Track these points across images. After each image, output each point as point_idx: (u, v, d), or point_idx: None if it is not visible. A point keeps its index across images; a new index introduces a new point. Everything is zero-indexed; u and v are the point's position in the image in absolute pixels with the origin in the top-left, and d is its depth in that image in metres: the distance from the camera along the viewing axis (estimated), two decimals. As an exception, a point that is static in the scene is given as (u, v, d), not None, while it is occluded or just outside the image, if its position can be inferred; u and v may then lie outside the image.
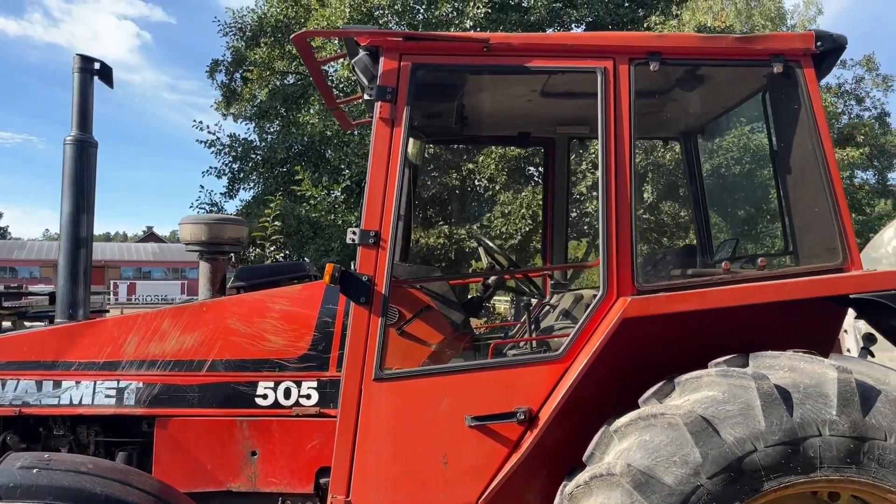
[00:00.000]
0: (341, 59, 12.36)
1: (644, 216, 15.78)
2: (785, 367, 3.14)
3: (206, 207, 18.42)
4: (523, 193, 15.52)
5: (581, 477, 3.12)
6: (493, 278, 4.49)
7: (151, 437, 3.85)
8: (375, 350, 3.44)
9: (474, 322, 4.89)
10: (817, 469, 2.93)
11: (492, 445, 3.39)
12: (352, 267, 3.55)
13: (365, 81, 3.67)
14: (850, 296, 3.33)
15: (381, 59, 3.56)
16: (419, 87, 3.71)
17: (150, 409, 3.83)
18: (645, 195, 16.09)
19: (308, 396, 3.87)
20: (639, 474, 2.93)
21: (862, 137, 23.92)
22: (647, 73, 3.64)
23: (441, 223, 16.71)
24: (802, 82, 3.61)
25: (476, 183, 16.70)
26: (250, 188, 17.88)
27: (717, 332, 3.49)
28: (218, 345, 3.89)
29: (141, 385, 3.85)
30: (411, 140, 5.03)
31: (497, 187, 16.14)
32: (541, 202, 16.50)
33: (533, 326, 4.49)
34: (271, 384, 3.88)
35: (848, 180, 23.67)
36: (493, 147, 15.75)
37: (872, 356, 5.15)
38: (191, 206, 18.28)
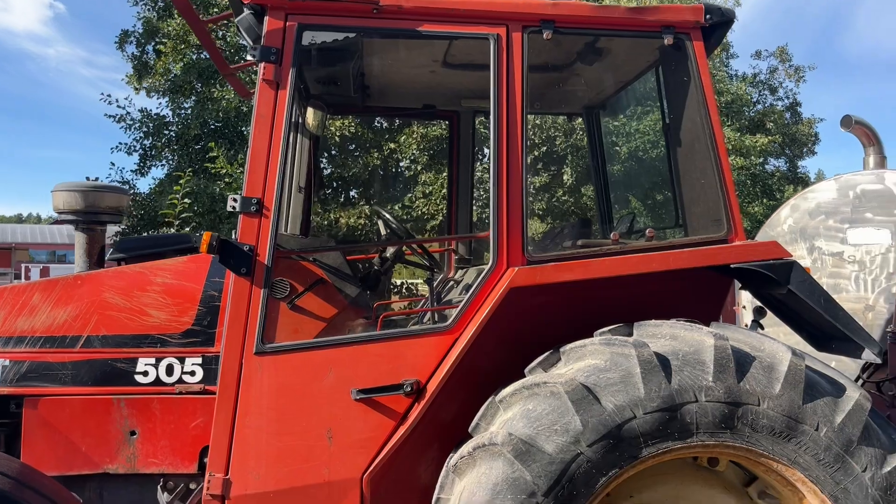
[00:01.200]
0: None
1: (563, 198, 15.98)
2: (666, 335, 3.17)
3: (118, 185, 17.70)
4: (444, 174, 15.46)
5: (465, 448, 3.08)
6: (390, 251, 4.41)
7: (20, 418, 3.62)
8: (257, 323, 3.31)
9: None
10: (694, 435, 2.97)
11: (378, 418, 3.32)
12: (233, 236, 3.40)
13: (250, 42, 3.51)
14: (732, 265, 3.38)
15: (266, 19, 3.41)
16: (309, 50, 3.56)
17: (18, 387, 3.60)
18: (565, 177, 16.29)
19: (192, 373, 3.71)
20: (520, 443, 2.90)
21: (772, 125, 24.76)
22: (548, 45, 3.60)
23: (363, 203, 16.52)
24: (692, 55, 3.63)
25: (399, 163, 16.55)
26: (163, 165, 17.26)
27: (606, 303, 3.50)
28: (94, 319, 3.68)
29: (7, 363, 3.61)
30: (311, 110, 4.89)
31: (419, 167, 16.04)
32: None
33: (435, 302, 4.43)
34: (152, 361, 3.70)
35: (761, 167, 24.49)
36: (415, 126, 15.64)
37: (762, 328, 5.29)
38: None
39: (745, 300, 7.30)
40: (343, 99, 5.00)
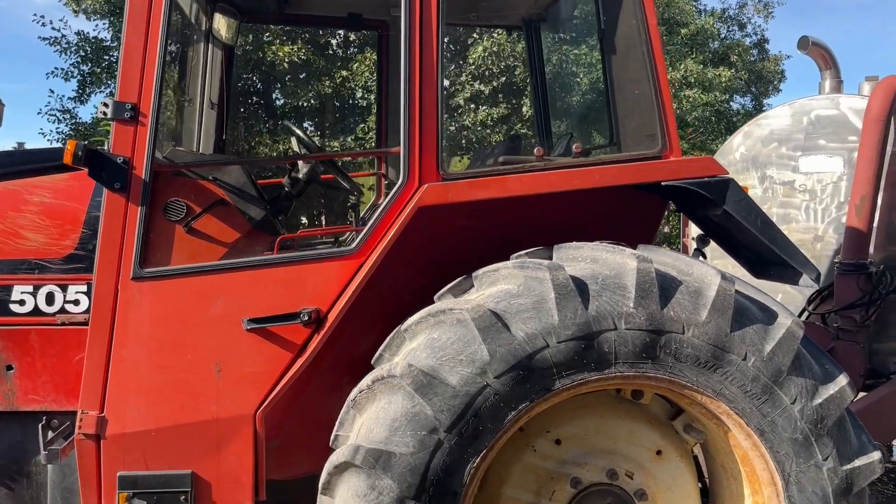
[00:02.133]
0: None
1: (522, 130, 15.57)
2: (587, 258, 2.88)
3: (58, 114, 16.85)
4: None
5: (364, 381, 2.80)
6: (303, 172, 4.03)
7: None
8: (134, 245, 2.95)
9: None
10: (612, 365, 2.72)
11: (273, 350, 3.01)
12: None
13: None
14: (663, 183, 3.08)
15: None
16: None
17: None
18: (524, 109, 15.84)
19: (76, 302, 3.34)
20: (420, 375, 2.62)
21: (737, 58, 24.39)
22: None
23: (316, 135, 15.94)
24: (627, -50, 3.26)
25: (352, 92, 15.91)
26: (103, 92, 16.37)
27: (529, 226, 3.20)
28: None
29: None
30: (221, 17, 4.42)
31: (373, 97, 15.43)
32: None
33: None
34: (30, 288, 3.32)
35: (726, 104, 24.21)
36: (369, 53, 14.99)
37: (705, 258, 5.08)
38: (39, 113, 16.68)
39: (696, 231, 7.10)
40: (257, 4, 4.53)
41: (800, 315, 6.05)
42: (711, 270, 2.83)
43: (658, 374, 2.75)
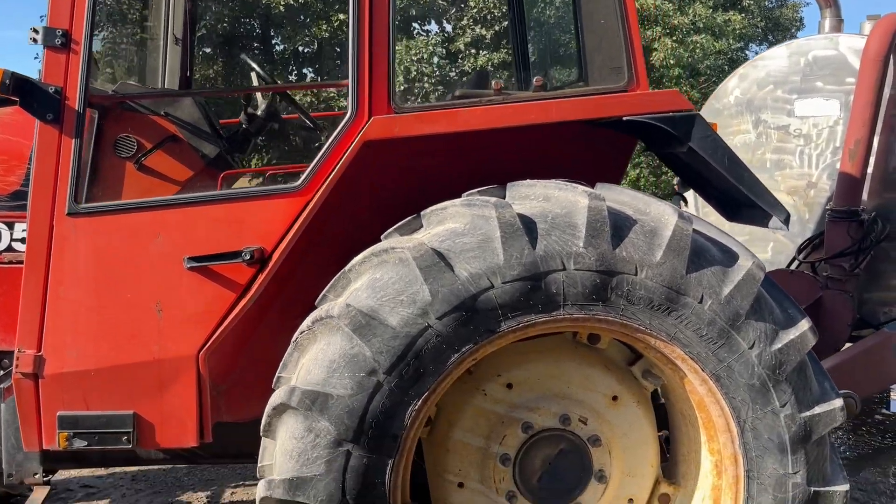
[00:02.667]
0: None
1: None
2: (539, 196, 2.75)
3: None
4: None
5: (306, 322, 2.70)
6: (262, 109, 3.88)
7: None
8: (69, 178, 2.84)
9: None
10: (561, 307, 2.61)
11: (216, 290, 2.91)
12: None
13: None
14: (625, 119, 2.92)
15: None
16: None
17: None
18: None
19: (24, 241, 3.24)
20: (359, 316, 2.52)
21: (750, 2, 23.67)
22: None
23: (313, 77, 15.67)
24: None
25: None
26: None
27: (486, 164, 3.05)
28: None
29: None
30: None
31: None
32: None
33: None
34: None
35: (741, 52, 23.60)
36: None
37: (685, 202, 4.93)
38: (35, 58, 16.39)
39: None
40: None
41: (789, 264, 5.93)
42: (669, 209, 2.69)
43: (609, 316, 2.64)
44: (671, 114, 2.90)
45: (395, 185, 3.08)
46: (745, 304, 2.67)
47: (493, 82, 3.12)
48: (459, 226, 2.64)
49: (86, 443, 2.89)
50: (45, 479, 3.43)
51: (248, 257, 2.86)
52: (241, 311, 2.91)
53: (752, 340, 2.68)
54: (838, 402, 2.77)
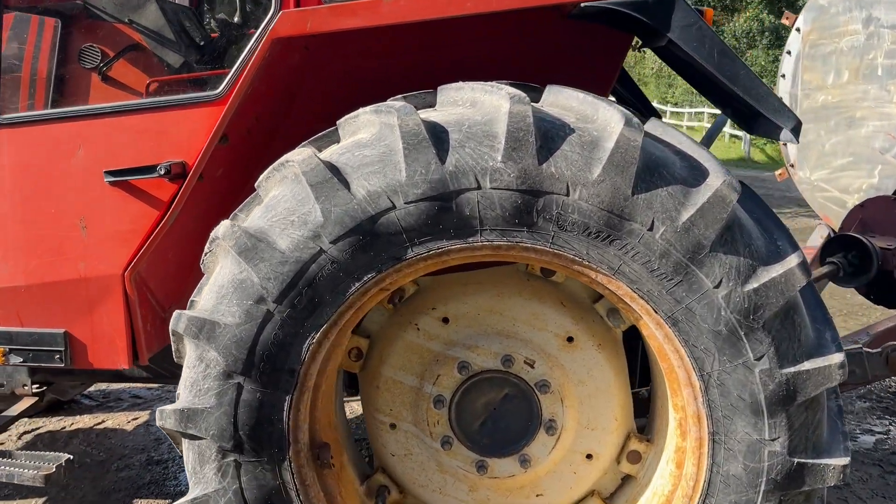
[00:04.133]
0: None
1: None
2: (466, 100, 2.32)
3: None
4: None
5: (208, 243, 2.47)
6: (237, 14, 3.59)
7: None
8: (-11, 87, 2.72)
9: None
10: (478, 232, 2.21)
11: (139, 206, 2.74)
12: None
13: None
14: (582, 4, 2.40)
15: None
16: None
17: None
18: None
19: None
20: (244, 237, 2.25)
21: None
22: None
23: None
24: None
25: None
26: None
27: (449, 65, 2.66)
28: None
29: None
30: None
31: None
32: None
33: None
34: None
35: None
36: None
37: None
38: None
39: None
40: None
41: (896, 193, 5.05)
42: (617, 115, 2.19)
43: (537, 245, 2.22)
44: (636, -4, 2.35)
45: (344, 94, 2.75)
46: (709, 233, 2.15)
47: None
48: (367, 136, 2.28)
49: (21, 359, 2.86)
50: (34, 390, 3.49)
51: (163, 172, 2.65)
52: (164, 229, 2.73)
53: (719, 278, 2.17)
54: (836, 358, 2.23)
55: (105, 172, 2.70)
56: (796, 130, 2.44)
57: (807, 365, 2.22)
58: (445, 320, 2.61)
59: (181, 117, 2.69)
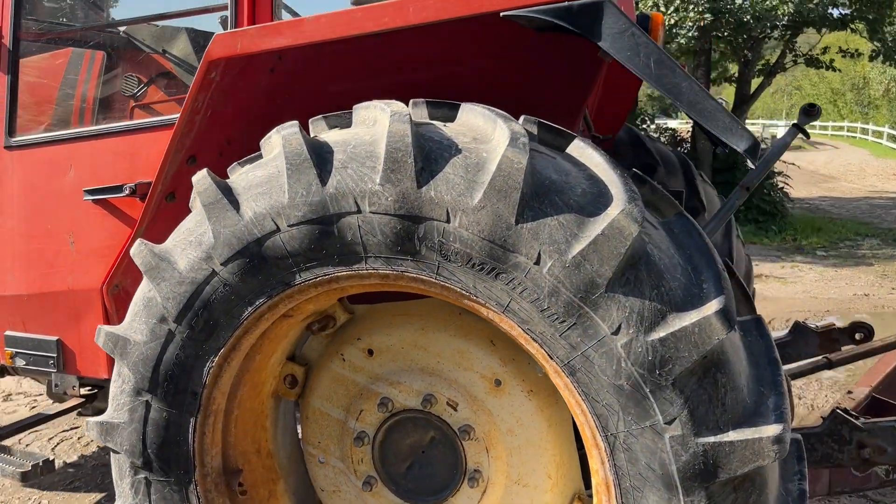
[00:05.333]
0: None
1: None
2: (369, 119, 2.20)
3: None
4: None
5: None
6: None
7: None
8: (4, 114, 3.00)
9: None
10: (363, 259, 2.07)
11: (113, 224, 2.89)
12: None
13: None
14: (502, 14, 2.17)
15: None
16: None
17: None
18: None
19: None
20: (150, 257, 2.28)
21: None
22: None
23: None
24: None
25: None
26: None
27: (407, 87, 2.56)
28: None
29: None
30: None
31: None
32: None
33: None
34: None
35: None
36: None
37: (807, 136, 3.62)
38: None
39: None
40: None
41: None
42: (505, 133, 1.95)
43: (423, 275, 2.03)
44: (566, 3, 2.10)
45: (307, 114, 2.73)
46: (604, 270, 1.85)
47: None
48: (265, 157, 2.23)
49: (24, 362, 3.10)
50: (82, 393, 3.79)
51: (128, 192, 2.77)
52: (130, 245, 2.84)
53: (617, 323, 1.86)
54: (771, 430, 1.82)
55: (84, 190, 2.87)
56: (752, 151, 2.05)
57: (731, 435, 1.83)
58: (371, 352, 2.47)
59: (150, 140, 2.81)
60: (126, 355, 2.33)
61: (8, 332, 3.15)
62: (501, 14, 2.16)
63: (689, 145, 16.95)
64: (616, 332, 1.86)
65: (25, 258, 3.08)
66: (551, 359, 1.95)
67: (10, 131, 3.03)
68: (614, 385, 1.88)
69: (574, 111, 2.65)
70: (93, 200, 2.89)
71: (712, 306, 1.82)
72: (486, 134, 2.05)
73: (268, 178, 2.14)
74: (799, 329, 3.71)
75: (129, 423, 2.36)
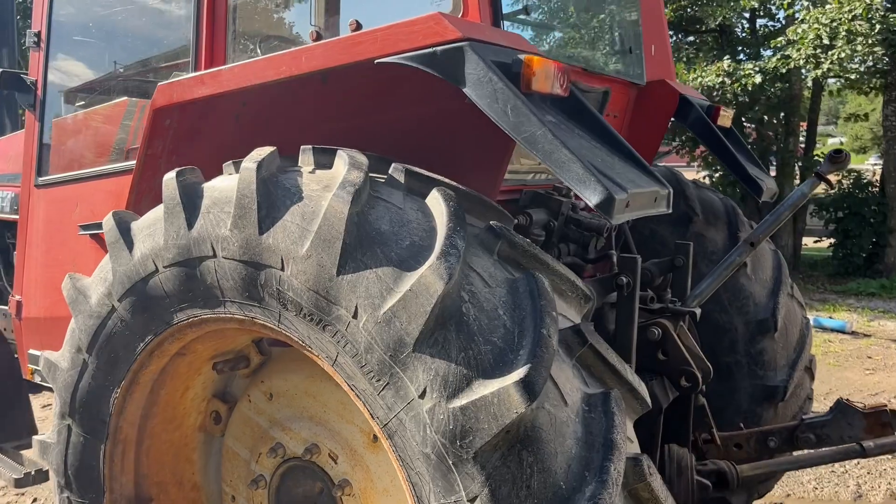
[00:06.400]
0: None
1: None
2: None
3: None
4: None
5: None
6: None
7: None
8: (35, 156, 3.40)
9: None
10: (222, 303, 2.11)
11: (102, 256, 3.13)
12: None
13: None
14: (375, 61, 2.13)
15: None
16: None
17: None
18: None
19: None
20: (72, 289, 2.47)
21: None
22: None
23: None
24: None
25: None
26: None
27: (373, 132, 2.60)
28: None
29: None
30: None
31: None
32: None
33: None
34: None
35: None
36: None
37: (829, 184, 3.11)
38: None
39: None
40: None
41: None
42: (337, 181, 1.91)
43: (269, 322, 2.02)
44: (431, 49, 2.02)
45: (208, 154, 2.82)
46: (412, 328, 1.74)
47: (312, 31, 2.60)
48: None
49: (40, 378, 3.43)
50: None
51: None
52: None
53: (423, 386, 1.74)
54: None
55: (79, 226, 3.16)
56: (603, 206, 1.83)
57: (544, 527, 1.63)
58: (271, 396, 2.47)
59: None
60: (55, 380, 2.52)
61: (31, 351, 3.51)
62: (375, 61, 2.12)
63: (877, 189, 15.19)
64: (422, 396, 1.73)
65: (42, 285, 3.43)
66: (373, 419, 1.86)
67: (39, 172, 3.42)
68: (423, 453, 1.75)
69: (499, 160, 2.53)
70: (89, 235, 3.17)
71: (514, 375, 1.65)
72: (335, 180, 2.01)
73: (154, 220, 2.25)
74: (841, 408, 3.20)
75: (56, 444, 2.54)
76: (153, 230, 2.23)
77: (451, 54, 1.99)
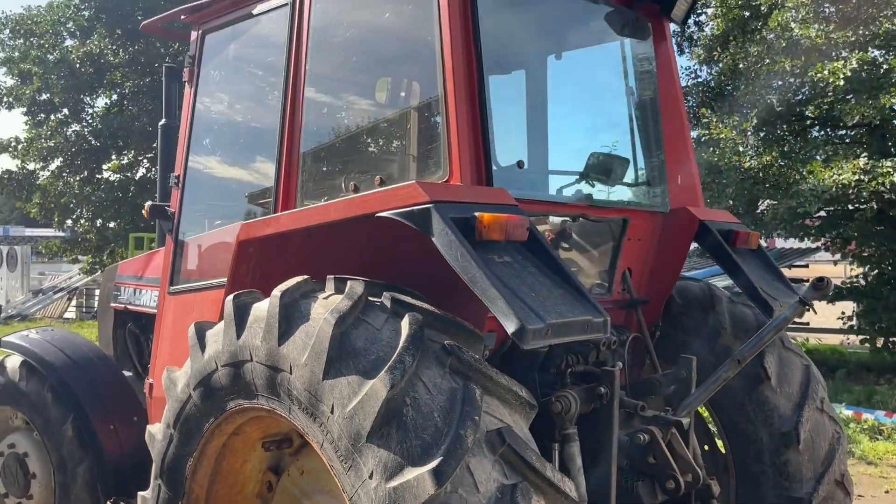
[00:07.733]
0: None
1: None
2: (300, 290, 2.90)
3: None
4: None
5: None
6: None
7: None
8: (169, 268, 4.35)
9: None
10: (256, 396, 2.79)
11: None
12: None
13: None
14: (376, 215, 2.78)
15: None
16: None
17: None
18: None
19: None
20: (168, 381, 3.25)
21: None
22: None
23: None
24: None
25: None
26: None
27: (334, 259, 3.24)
28: None
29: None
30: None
31: None
32: None
33: None
34: None
35: None
36: None
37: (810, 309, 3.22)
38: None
39: None
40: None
41: None
42: (329, 308, 2.55)
43: (283, 412, 2.67)
44: (410, 208, 2.66)
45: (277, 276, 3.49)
46: (365, 424, 2.32)
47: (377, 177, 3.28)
48: None
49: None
50: None
51: (204, 335, 3.82)
52: None
53: (371, 469, 2.29)
54: None
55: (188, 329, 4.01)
56: (518, 333, 2.32)
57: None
58: (302, 472, 3.09)
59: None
60: (153, 448, 3.30)
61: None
62: (377, 214, 2.79)
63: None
64: (370, 477, 2.28)
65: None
66: (344, 492, 2.42)
67: (172, 282, 4.36)
68: (373, 525, 2.29)
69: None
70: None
71: (430, 465, 2.16)
72: (321, 306, 2.66)
73: (218, 331, 3.00)
74: None
75: (150, 499, 3.30)
76: (217, 338, 2.97)
77: (422, 212, 2.61)
